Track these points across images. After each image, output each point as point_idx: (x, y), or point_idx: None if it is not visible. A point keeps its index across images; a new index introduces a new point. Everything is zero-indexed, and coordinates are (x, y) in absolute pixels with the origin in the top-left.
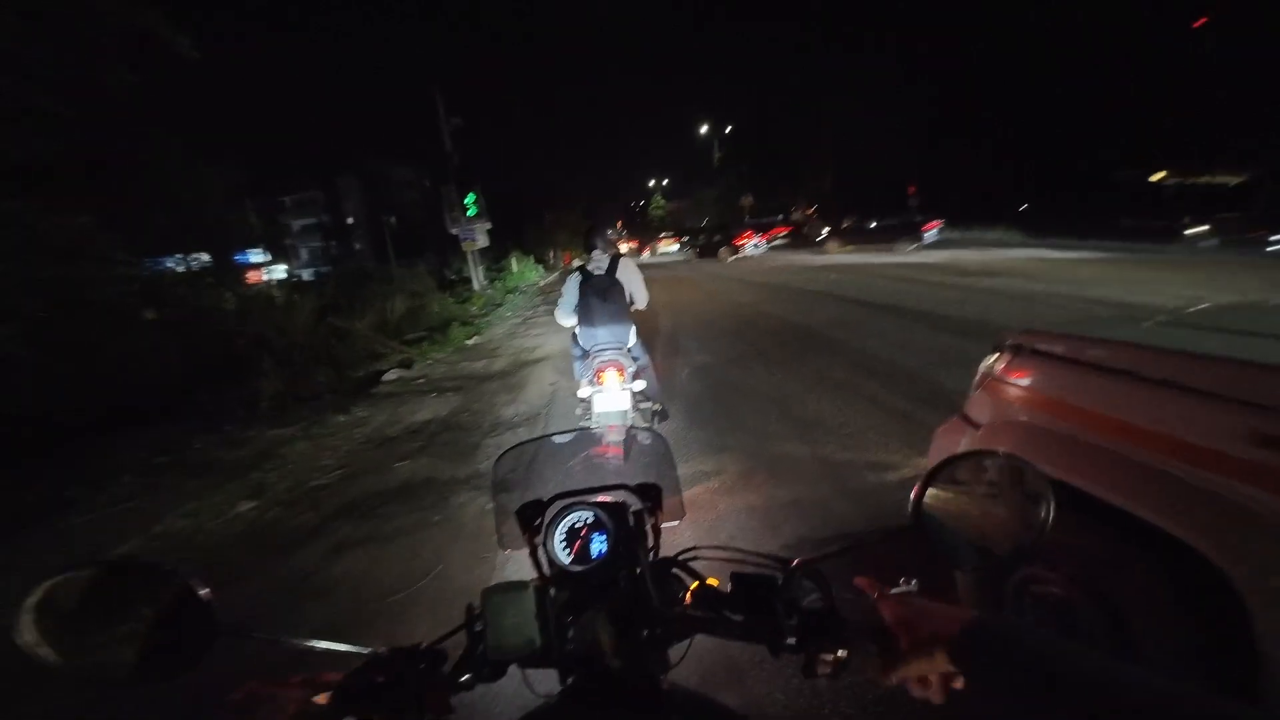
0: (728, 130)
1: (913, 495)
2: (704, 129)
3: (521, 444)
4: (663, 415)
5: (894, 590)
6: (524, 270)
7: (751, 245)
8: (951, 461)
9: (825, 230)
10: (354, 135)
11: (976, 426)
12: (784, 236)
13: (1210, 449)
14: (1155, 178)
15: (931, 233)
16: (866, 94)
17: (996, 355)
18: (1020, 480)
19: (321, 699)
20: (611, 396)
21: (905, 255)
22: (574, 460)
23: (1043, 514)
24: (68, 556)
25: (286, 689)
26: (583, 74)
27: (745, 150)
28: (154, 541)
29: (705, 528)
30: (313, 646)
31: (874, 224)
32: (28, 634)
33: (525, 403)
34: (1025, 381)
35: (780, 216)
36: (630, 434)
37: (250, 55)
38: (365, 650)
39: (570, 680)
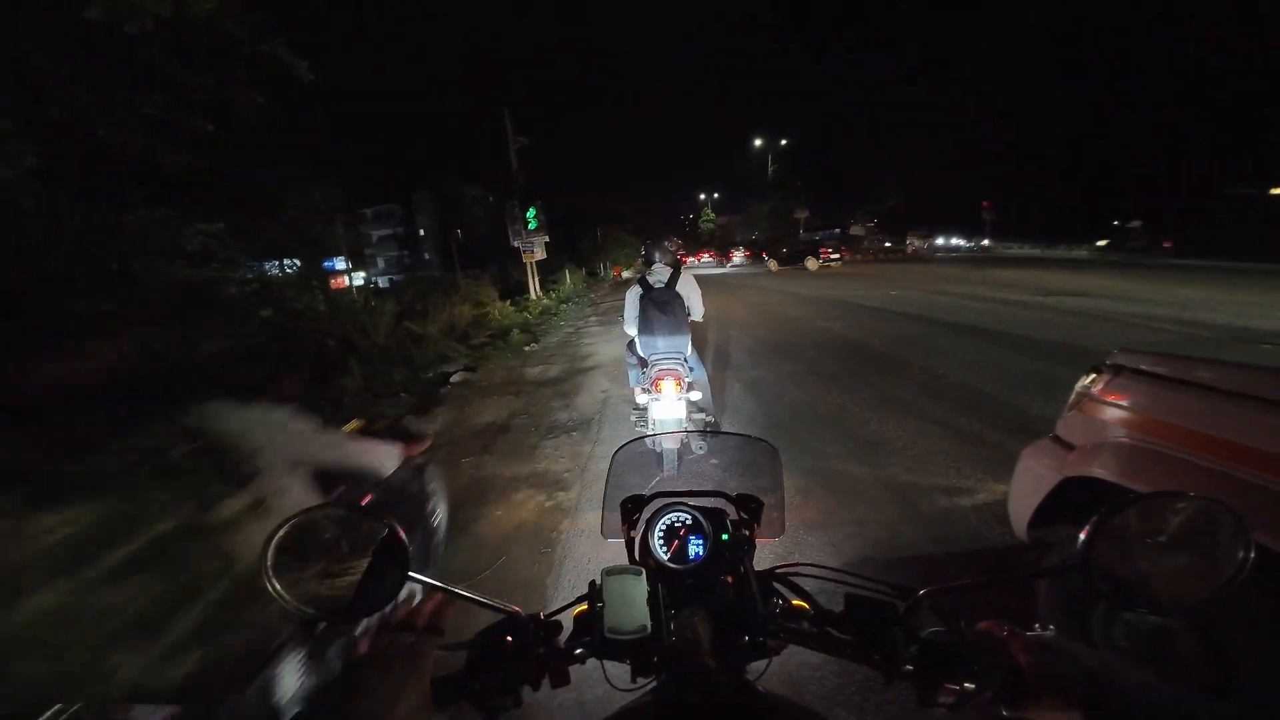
0: (783, 143)
1: (1083, 535)
2: (758, 142)
3: (636, 439)
4: (715, 427)
5: (1029, 633)
6: (576, 282)
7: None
8: (1130, 501)
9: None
10: (430, 155)
11: (1069, 448)
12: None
13: None
14: (1277, 191)
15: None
16: (938, 108)
17: (1094, 376)
18: (1210, 525)
19: (453, 652)
20: (668, 405)
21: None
22: (666, 464)
23: (1239, 558)
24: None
25: (420, 640)
26: (637, 90)
27: (801, 164)
28: None
29: (760, 542)
30: (468, 596)
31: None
32: (271, 569)
33: (578, 409)
34: (1126, 402)
35: (836, 230)
36: (738, 442)
37: (341, 79)
38: (506, 608)
39: (649, 678)
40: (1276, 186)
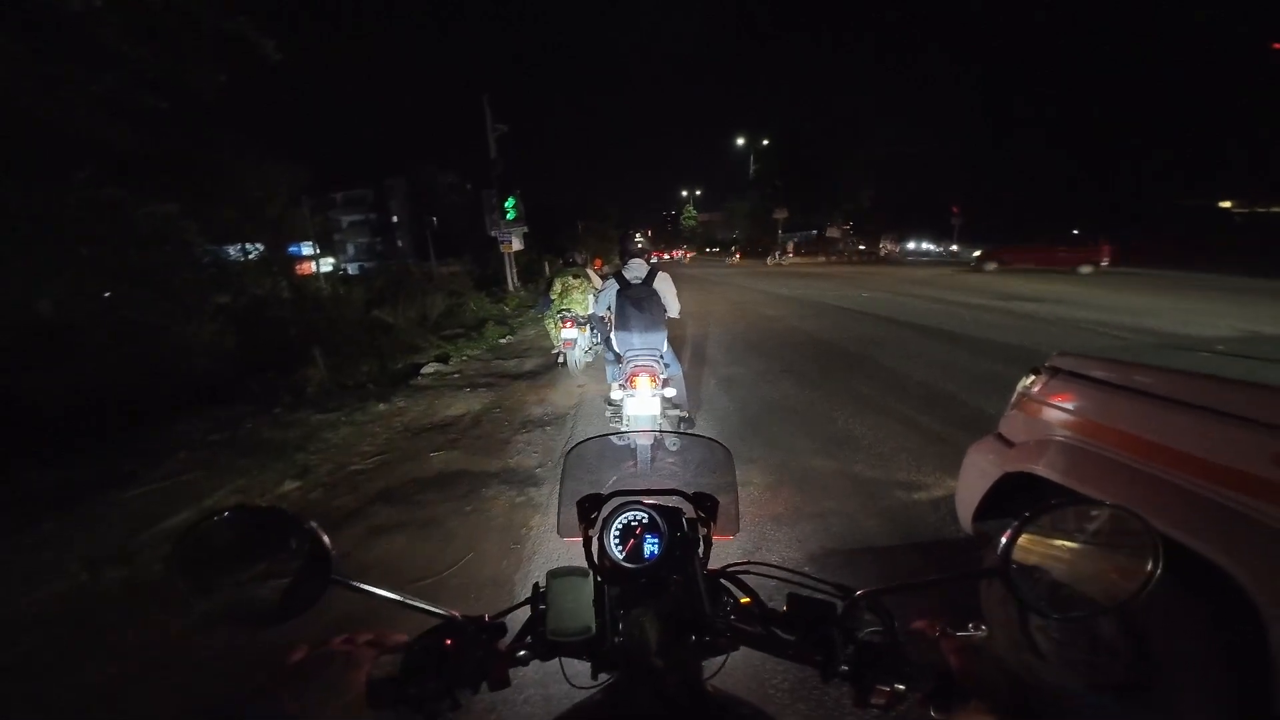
0: (764, 143)
1: (1003, 540)
2: (739, 141)
3: (592, 438)
4: (690, 423)
5: (960, 634)
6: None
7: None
8: (1048, 507)
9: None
10: (404, 140)
11: (1010, 445)
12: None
13: (1241, 471)
14: (1224, 205)
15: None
16: (911, 112)
17: (1033, 377)
18: (1126, 532)
19: (391, 657)
20: (643, 401)
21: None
22: (639, 460)
23: (1148, 568)
24: (128, 526)
25: (357, 646)
26: (620, 85)
27: (780, 164)
28: None
29: (720, 540)
30: (400, 600)
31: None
32: (181, 571)
33: (553, 403)
34: (1062, 403)
35: (813, 232)
36: (696, 442)
37: (313, 61)
38: (442, 612)
39: (611, 676)
40: (1225, 200)
